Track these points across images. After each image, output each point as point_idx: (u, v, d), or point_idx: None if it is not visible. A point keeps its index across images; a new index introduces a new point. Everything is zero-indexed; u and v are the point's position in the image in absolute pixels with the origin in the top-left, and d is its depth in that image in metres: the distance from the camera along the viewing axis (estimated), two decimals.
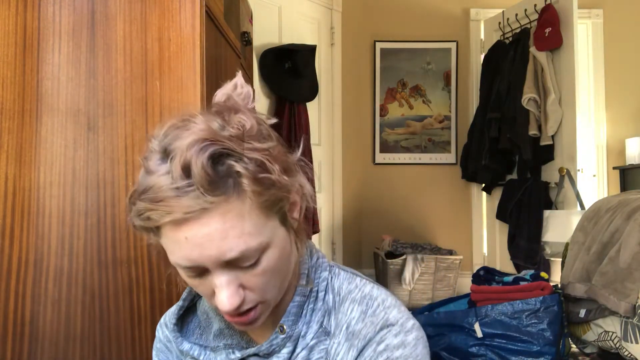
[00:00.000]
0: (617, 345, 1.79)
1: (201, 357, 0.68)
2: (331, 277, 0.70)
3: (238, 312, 0.59)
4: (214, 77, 1.22)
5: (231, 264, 0.56)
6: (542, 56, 3.12)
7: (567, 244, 2.19)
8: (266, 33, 3.07)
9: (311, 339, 0.66)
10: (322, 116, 3.48)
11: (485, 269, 2.27)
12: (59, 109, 1.07)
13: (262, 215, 0.56)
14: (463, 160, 3.69)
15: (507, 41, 3.50)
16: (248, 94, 0.64)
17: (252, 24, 2.40)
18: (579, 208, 2.96)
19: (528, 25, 3.32)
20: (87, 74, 1.08)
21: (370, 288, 0.68)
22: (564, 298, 2.00)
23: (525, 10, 3.34)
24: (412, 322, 0.65)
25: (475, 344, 1.96)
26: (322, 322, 0.67)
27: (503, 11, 3.58)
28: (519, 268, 3.18)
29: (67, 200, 1.06)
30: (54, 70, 1.08)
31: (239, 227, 0.54)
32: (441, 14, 3.84)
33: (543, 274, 2.10)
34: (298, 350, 0.65)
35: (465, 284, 3.44)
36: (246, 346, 0.68)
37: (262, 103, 2.94)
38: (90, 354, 1.05)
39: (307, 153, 2.99)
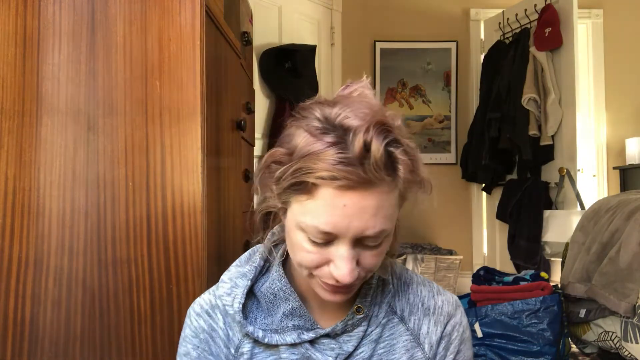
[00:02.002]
0: (617, 345, 1.79)
1: (266, 340, 0.69)
2: (391, 265, 0.76)
3: (346, 284, 0.63)
4: (214, 77, 1.22)
5: (360, 241, 0.61)
6: (542, 56, 3.12)
7: (567, 244, 2.19)
8: (266, 33, 3.07)
9: (382, 318, 0.72)
10: None
11: (485, 269, 2.27)
12: (59, 109, 1.07)
13: (398, 205, 0.63)
14: (463, 160, 3.69)
15: (507, 41, 3.50)
16: (373, 96, 0.70)
17: (252, 24, 2.40)
18: (579, 208, 2.96)
19: (528, 25, 3.32)
20: (87, 74, 1.08)
21: (417, 274, 0.79)
22: (564, 298, 2.00)
23: (525, 10, 3.34)
24: None
25: (475, 344, 1.96)
26: (390, 303, 0.74)
27: (503, 11, 3.58)
28: (519, 268, 3.18)
29: (67, 200, 1.06)
30: (54, 70, 1.08)
31: (386, 209, 0.60)
32: (441, 14, 3.84)
33: (543, 274, 2.10)
34: (372, 328, 0.72)
35: (465, 284, 3.44)
36: (311, 327, 0.70)
37: (262, 103, 2.94)
38: (90, 354, 1.05)
39: None
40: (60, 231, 1.06)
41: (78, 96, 1.08)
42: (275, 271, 0.72)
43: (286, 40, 3.18)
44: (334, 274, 0.61)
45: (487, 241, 3.79)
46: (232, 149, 1.46)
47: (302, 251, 0.63)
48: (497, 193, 3.54)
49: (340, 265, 0.60)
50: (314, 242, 0.61)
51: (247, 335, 0.70)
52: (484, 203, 3.79)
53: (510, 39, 3.47)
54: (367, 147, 0.57)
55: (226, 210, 1.37)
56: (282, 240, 0.74)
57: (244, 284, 0.71)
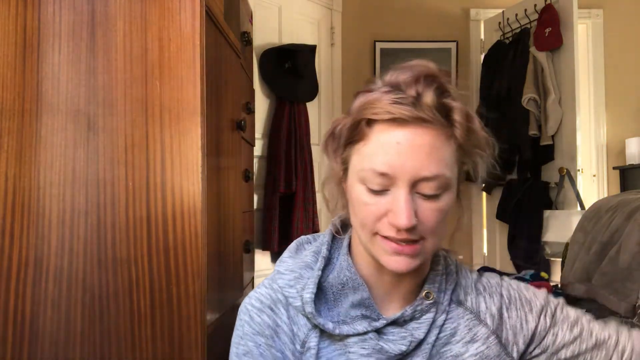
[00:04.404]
0: None
1: (336, 331, 0.67)
2: (448, 256, 0.77)
3: (407, 237, 0.62)
4: (214, 77, 1.22)
5: (416, 188, 0.61)
6: (542, 56, 3.12)
7: (567, 244, 2.19)
8: (266, 33, 3.07)
9: (446, 305, 0.72)
10: (322, 116, 3.48)
11: (485, 269, 2.27)
12: (59, 109, 1.07)
13: (456, 159, 0.64)
14: None
15: (507, 41, 3.50)
16: None
17: (252, 24, 2.40)
18: (579, 208, 2.96)
19: (528, 25, 3.32)
20: (87, 74, 1.08)
21: None
22: (564, 298, 1.99)
23: (525, 10, 3.33)
24: None
25: None
26: (452, 291, 0.73)
27: (503, 11, 3.58)
28: (519, 268, 3.18)
29: (67, 200, 1.06)
30: (54, 70, 1.08)
31: (442, 152, 0.61)
32: (441, 14, 3.84)
33: (543, 274, 2.10)
34: (438, 314, 0.71)
35: None
36: (378, 317, 0.69)
37: (262, 103, 2.94)
38: (90, 354, 1.05)
39: (307, 153, 2.99)
40: (60, 231, 1.06)
41: (78, 96, 1.08)
42: (344, 261, 0.71)
43: (286, 40, 3.18)
44: (392, 222, 0.61)
45: (487, 241, 3.79)
46: (232, 149, 1.46)
47: (362, 206, 0.63)
48: (497, 193, 3.54)
49: (397, 209, 0.60)
50: (372, 192, 0.62)
51: (313, 328, 0.68)
52: (484, 203, 3.79)
53: (510, 39, 3.46)
54: (419, 93, 0.61)
55: (226, 210, 1.37)
56: (343, 229, 0.75)
57: (313, 275, 0.70)
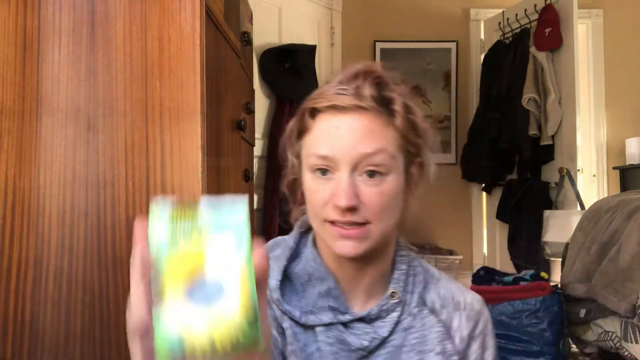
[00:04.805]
0: (617, 345, 1.79)
1: (302, 320, 0.70)
2: (417, 258, 0.79)
3: (351, 219, 0.65)
4: (214, 77, 1.22)
5: (359, 169, 0.65)
6: (542, 56, 3.12)
7: (567, 244, 2.19)
8: (266, 33, 3.07)
9: (414, 307, 0.73)
10: None
11: (485, 269, 2.28)
12: (59, 109, 1.07)
13: (398, 145, 0.67)
14: (463, 160, 3.69)
15: (507, 41, 3.51)
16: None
17: (252, 24, 2.40)
18: (579, 208, 2.96)
19: (528, 25, 3.32)
20: (87, 74, 1.08)
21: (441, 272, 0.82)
22: (564, 298, 2.00)
23: (525, 10, 3.34)
24: None
25: None
26: (420, 293, 0.74)
27: (503, 11, 3.58)
28: (519, 268, 3.18)
29: (67, 200, 1.06)
30: (54, 70, 1.07)
31: (382, 133, 0.65)
32: (441, 14, 3.84)
33: (543, 274, 2.10)
34: (404, 316, 0.72)
35: (465, 284, 3.44)
36: (345, 311, 0.71)
37: (262, 103, 2.94)
38: (90, 354, 1.05)
39: None
40: (60, 231, 1.06)
41: (78, 96, 1.08)
42: (310, 252, 0.74)
43: (286, 40, 3.18)
44: (334, 203, 0.64)
45: (487, 241, 3.80)
46: (232, 149, 1.46)
47: (312, 194, 0.68)
48: (497, 193, 3.54)
49: (338, 190, 0.64)
50: (318, 178, 0.66)
51: (282, 314, 0.71)
52: (484, 203, 3.79)
53: (510, 39, 3.47)
54: (358, 86, 0.66)
55: None
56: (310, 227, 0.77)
57: (278, 265, 0.74)
